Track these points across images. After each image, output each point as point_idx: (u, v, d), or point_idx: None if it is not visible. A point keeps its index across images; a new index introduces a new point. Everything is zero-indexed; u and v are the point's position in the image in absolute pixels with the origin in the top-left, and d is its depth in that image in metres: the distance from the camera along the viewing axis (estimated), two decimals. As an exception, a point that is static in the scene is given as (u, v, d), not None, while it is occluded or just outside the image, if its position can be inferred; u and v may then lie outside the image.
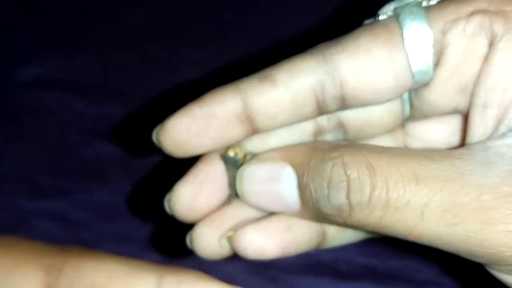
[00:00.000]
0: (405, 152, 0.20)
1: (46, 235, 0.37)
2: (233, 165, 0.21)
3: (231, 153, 0.21)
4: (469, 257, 0.19)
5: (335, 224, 0.21)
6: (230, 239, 0.21)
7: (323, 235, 0.22)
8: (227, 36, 0.43)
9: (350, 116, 0.22)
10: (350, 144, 0.21)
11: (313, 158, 0.20)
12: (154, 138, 0.21)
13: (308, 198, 0.20)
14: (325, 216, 0.20)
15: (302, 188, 0.20)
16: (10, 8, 0.45)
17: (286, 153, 0.21)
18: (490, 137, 0.20)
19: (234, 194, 0.22)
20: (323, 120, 0.22)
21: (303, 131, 0.22)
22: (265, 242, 0.21)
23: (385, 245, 0.36)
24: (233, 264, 0.35)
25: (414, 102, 0.22)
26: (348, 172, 0.19)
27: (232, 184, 0.21)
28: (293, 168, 0.20)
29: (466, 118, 0.21)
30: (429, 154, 0.20)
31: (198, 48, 0.42)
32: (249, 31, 0.43)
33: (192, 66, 0.41)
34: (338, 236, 0.23)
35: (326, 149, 0.20)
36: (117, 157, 0.39)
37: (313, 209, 0.20)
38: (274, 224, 0.21)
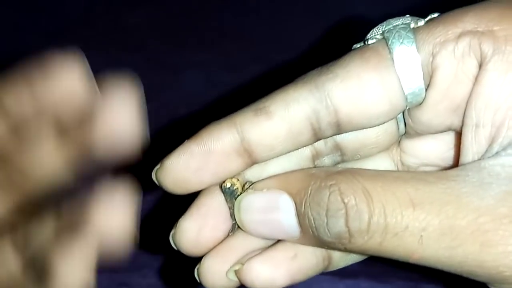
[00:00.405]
0: (400, 176, 0.20)
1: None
2: (231, 195, 0.21)
3: (228, 184, 0.21)
4: (470, 277, 0.19)
5: (336, 250, 0.21)
6: (237, 273, 0.21)
7: (329, 259, 0.22)
8: (227, 38, 0.43)
9: (346, 138, 0.22)
10: (345, 170, 0.21)
11: (310, 186, 0.20)
12: (153, 177, 0.21)
13: (308, 226, 0.20)
14: (325, 243, 0.20)
15: (301, 216, 0.20)
16: (12, 9, 0.46)
17: (282, 181, 0.21)
18: (483, 156, 0.20)
19: (236, 224, 0.22)
20: (320, 144, 0.23)
21: (301, 156, 0.22)
22: (272, 272, 0.21)
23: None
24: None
25: (407, 121, 0.22)
26: (346, 200, 0.19)
27: (233, 215, 0.21)
28: (290, 196, 0.20)
29: (460, 135, 0.21)
30: (424, 177, 0.19)
31: (198, 49, 0.43)
32: (249, 32, 0.43)
33: (193, 67, 0.42)
34: (343, 258, 0.23)
35: (323, 177, 0.20)
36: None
37: (313, 237, 0.20)
38: (280, 254, 0.21)
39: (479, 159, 0.20)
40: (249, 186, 0.21)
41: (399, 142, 0.24)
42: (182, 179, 0.21)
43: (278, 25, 0.43)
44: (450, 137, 0.23)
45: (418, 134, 0.22)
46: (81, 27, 0.45)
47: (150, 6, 0.45)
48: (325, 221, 0.19)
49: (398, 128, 0.22)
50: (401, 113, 0.22)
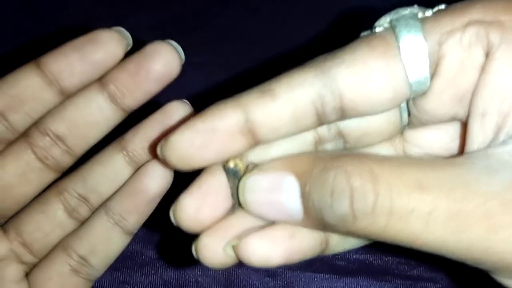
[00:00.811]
0: (408, 161, 0.20)
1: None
2: (234, 175, 0.21)
3: (231, 164, 0.21)
4: (475, 265, 0.19)
5: (338, 233, 0.21)
6: (235, 248, 0.21)
7: (326, 242, 0.22)
8: (228, 39, 0.43)
9: (350, 125, 0.22)
10: (352, 153, 0.21)
11: (315, 167, 0.20)
12: (158, 152, 0.21)
13: (311, 207, 0.20)
14: (328, 225, 0.20)
15: (304, 197, 0.20)
16: (13, 10, 0.46)
17: (288, 162, 0.21)
18: (490, 145, 0.20)
19: (237, 204, 0.22)
20: (323, 129, 0.23)
21: (304, 141, 0.22)
22: (269, 250, 0.21)
23: (381, 241, 0.36)
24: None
25: (412, 111, 0.22)
26: (351, 181, 0.19)
27: (234, 195, 0.22)
28: (296, 177, 0.20)
29: (465, 125, 0.21)
30: (432, 162, 0.19)
31: (199, 51, 0.43)
32: (249, 34, 0.43)
33: (193, 68, 0.42)
34: (341, 243, 0.23)
35: (328, 158, 0.20)
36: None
37: (316, 219, 0.20)
38: (278, 232, 0.21)
39: (486, 148, 0.20)
40: (252, 168, 0.21)
41: (402, 132, 0.23)
42: (186, 155, 0.21)
43: (278, 26, 0.43)
44: (454, 128, 0.23)
45: (422, 124, 0.22)
46: (82, 28, 0.45)
47: (151, 7, 0.45)
48: (329, 202, 0.19)
49: (402, 119, 0.22)
50: (405, 104, 0.22)
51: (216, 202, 0.22)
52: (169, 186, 0.27)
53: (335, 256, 0.36)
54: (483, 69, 0.20)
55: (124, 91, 0.26)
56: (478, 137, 0.20)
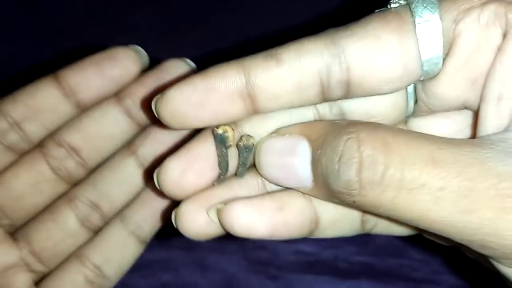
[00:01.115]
0: (424, 136, 0.19)
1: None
2: (221, 142, 0.21)
3: (220, 130, 0.20)
4: (481, 249, 0.19)
5: (346, 205, 0.20)
6: (219, 212, 0.20)
7: (316, 223, 0.21)
8: (227, 37, 0.43)
9: (353, 106, 0.22)
10: (369, 122, 0.20)
11: (329, 133, 0.19)
12: (153, 106, 0.21)
13: (320, 173, 0.19)
14: (335, 194, 0.19)
15: (315, 162, 0.19)
16: (12, 10, 0.46)
17: (305, 128, 0.20)
18: (506, 129, 0.19)
19: (223, 174, 0.21)
20: (325, 108, 0.22)
21: (303, 118, 0.22)
22: (254, 219, 0.20)
23: (384, 244, 0.36)
24: (234, 263, 0.36)
25: (420, 96, 0.21)
26: (362, 148, 0.18)
27: (221, 163, 0.21)
28: (309, 142, 0.20)
29: (475, 114, 0.21)
30: (449, 139, 0.19)
31: (198, 48, 0.43)
32: (249, 31, 0.43)
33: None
34: (331, 226, 0.22)
35: (344, 125, 0.19)
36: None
37: (323, 186, 0.19)
38: (266, 202, 0.21)
39: (503, 131, 0.19)
40: (246, 139, 0.21)
41: (406, 122, 0.23)
42: (180, 112, 0.20)
43: (278, 23, 0.43)
44: (462, 117, 0.22)
45: (429, 111, 0.22)
46: (81, 27, 0.45)
47: (150, 6, 0.45)
48: (337, 168, 0.18)
49: (407, 106, 0.22)
50: (413, 90, 0.21)
51: (202, 170, 0.21)
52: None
53: (337, 258, 0.36)
54: (499, 50, 0.19)
55: (140, 105, 0.27)
56: (492, 122, 0.19)
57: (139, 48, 0.28)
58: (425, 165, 0.18)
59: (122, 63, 0.27)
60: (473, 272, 0.35)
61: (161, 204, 0.27)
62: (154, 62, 0.44)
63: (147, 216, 0.28)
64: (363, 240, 0.36)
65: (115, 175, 0.28)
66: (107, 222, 0.28)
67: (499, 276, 0.20)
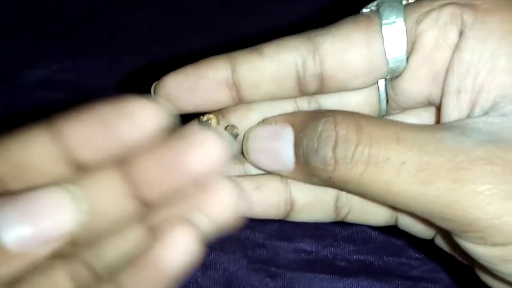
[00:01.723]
0: (392, 120, 0.21)
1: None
2: None
3: (204, 118, 0.23)
4: (441, 222, 0.20)
5: (322, 183, 0.22)
6: None
7: (292, 205, 0.23)
8: (228, 38, 0.43)
9: (329, 102, 0.24)
10: (345, 110, 0.23)
11: (310, 118, 0.22)
12: (152, 91, 0.23)
13: (301, 153, 0.21)
14: (313, 171, 0.21)
15: (297, 144, 0.22)
16: (15, 10, 0.46)
17: (289, 116, 0.23)
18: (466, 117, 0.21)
19: None
20: (303, 103, 0.24)
21: (284, 111, 0.24)
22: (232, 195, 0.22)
23: (382, 242, 0.36)
24: (234, 261, 0.36)
25: (389, 94, 0.23)
26: (337, 128, 0.20)
27: None
28: (293, 128, 0.22)
29: (439, 109, 0.22)
30: (413, 124, 0.21)
31: (199, 50, 0.43)
32: (249, 32, 0.43)
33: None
34: (305, 210, 0.24)
35: (324, 111, 0.22)
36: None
37: (304, 165, 0.21)
38: (244, 181, 0.23)
39: (462, 119, 0.21)
40: (232, 129, 0.23)
41: None
42: (173, 96, 0.23)
43: (278, 25, 0.43)
44: (428, 115, 0.24)
45: (400, 108, 0.24)
46: (81, 28, 0.45)
47: (151, 7, 0.45)
48: (316, 146, 0.21)
49: (380, 105, 0.24)
50: (384, 90, 0.23)
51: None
52: (193, 261, 0.21)
53: (336, 257, 0.36)
54: (457, 47, 0.21)
55: (148, 183, 0.20)
56: (454, 113, 0.21)
57: (160, 100, 0.23)
58: (389, 142, 0.20)
59: (135, 121, 0.19)
60: (471, 270, 0.35)
61: (163, 272, 0.21)
62: (154, 63, 0.44)
63: (143, 285, 0.21)
64: (362, 239, 0.36)
65: (119, 241, 0.22)
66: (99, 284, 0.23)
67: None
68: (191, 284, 0.36)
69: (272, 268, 0.36)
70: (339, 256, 0.36)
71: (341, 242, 0.36)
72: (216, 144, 0.18)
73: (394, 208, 0.23)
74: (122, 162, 0.20)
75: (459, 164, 0.19)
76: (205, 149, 0.18)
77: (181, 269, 0.21)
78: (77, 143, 0.20)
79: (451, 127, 0.21)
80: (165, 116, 0.19)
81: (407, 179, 0.20)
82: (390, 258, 0.36)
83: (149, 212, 0.20)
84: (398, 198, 0.20)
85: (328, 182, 0.21)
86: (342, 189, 0.22)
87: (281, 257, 0.36)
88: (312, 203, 0.24)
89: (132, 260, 0.21)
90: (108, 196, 0.20)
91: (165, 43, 0.44)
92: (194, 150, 0.18)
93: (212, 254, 0.36)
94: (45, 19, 0.45)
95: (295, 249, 0.36)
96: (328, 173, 0.21)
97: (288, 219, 0.24)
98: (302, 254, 0.36)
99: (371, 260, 0.36)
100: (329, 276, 0.35)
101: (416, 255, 0.36)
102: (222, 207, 0.19)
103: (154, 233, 0.20)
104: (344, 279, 0.35)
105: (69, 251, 0.22)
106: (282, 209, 0.23)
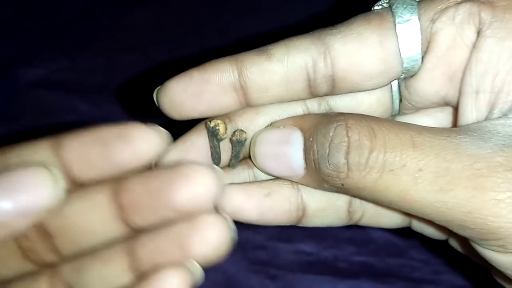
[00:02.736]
0: (405, 124, 0.20)
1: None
2: (213, 135, 0.22)
3: (212, 124, 0.22)
4: (459, 230, 0.19)
5: (334, 189, 0.21)
6: None
7: (303, 210, 0.23)
8: (227, 37, 0.43)
9: (340, 104, 0.23)
10: (356, 113, 0.22)
11: (320, 122, 0.21)
12: (154, 96, 0.22)
13: (311, 159, 0.20)
14: (325, 177, 0.20)
15: (307, 149, 0.21)
16: (13, 9, 0.46)
17: (298, 120, 0.22)
18: (484, 119, 0.20)
19: (216, 165, 0.22)
20: (313, 105, 0.23)
21: (293, 114, 0.23)
22: (243, 202, 0.21)
23: (384, 244, 0.36)
24: (234, 263, 0.36)
25: (403, 94, 0.22)
26: (350, 134, 0.19)
27: (213, 155, 0.22)
28: (302, 132, 0.21)
29: (455, 109, 0.22)
30: (428, 127, 0.20)
31: (199, 49, 0.43)
32: (249, 32, 0.43)
33: (193, 67, 0.42)
34: (318, 215, 0.23)
35: (334, 115, 0.21)
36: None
37: (314, 172, 0.20)
38: (255, 188, 0.22)
39: (481, 121, 0.20)
40: (239, 134, 0.22)
41: (393, 119, 0.24)
42: (178, 101, 0.22)
43: (279, 25, 0.43)
44: (444, 115, 0.23)
45: (413, 107, 0.23)
46: (81, 27, 0.45)
47: (150, 6, 0.45)
48: (327, 152, 0.20)
49: (393, 104, 0.23)
50: (397, 89, 0.23)
51: (196, 160, 0.22)
52: None
53: (337, 258, 0.36)
54: (474, 46, 0.20)
55: (137, 209, 0.21)
56: (472, 114, 0.21)
57: (159, 128, 0.21)
58: (405, 148, 0.19)
59: (133, 145, 0.20)
60: (474, 272, 0.35)
61: None
62: (154, 63, 0.44)
63: None
64: (363, 240, 0.36)
65: (103, 268, 0.22)
66: None
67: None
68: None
69: (273, 270, 0.35)
70: (340, 258, 0.36)
71: (342, 244, 0.36)
72: (208, 181, 0.18)
73: (408, 214, 0.23)
74: (114, 184, 0.20)
75: (479, 171, 0.18)
76: (196, 184, 0.18)
77: None
78: (75, 161, 0.20)
79: (469, 130, 0.20)
80: (163, 142, 0.20)
81: (424, 186, 0.19)
82: (392, 259, 0.36)
83: (135, 237, 0.20)
84: (415, 205, 0.19)
85: (340, 189, 0.20)
86: (354, 195, 0.22)
87: (282, 258, 0.36)
88: (325, 208, 0.23)
89: None
90: (96, 215, 0.21)
91: (164, 42, 0.44)
92: (184, 184, 0.18)
93: (212, 255, 0.36)
94: (43, 17, 0.45)
95: (296, 251, 0.36)
96: (341, 180, 0.20)
97: (300, 225, 0.23)
98: (303, 256, 0.36)
99: (373, 261, 0.36)
100: (329, 277, 0.35)
101: (418, 256, 0.36)
102: (208, 245, 0.18)
103: (142, 274, 0.20)
104: (345, 280, 0.35)
105: (53, 262, 0.22)
106: (293, 215, 0.23)
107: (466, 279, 0.35)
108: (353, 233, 0.36)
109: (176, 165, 0.18)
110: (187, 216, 0.19)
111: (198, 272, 0.20)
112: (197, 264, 0.19)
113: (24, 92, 0.42)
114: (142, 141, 0.20)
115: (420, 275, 0.35)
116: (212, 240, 0.18)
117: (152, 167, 0.20)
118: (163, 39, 0.44)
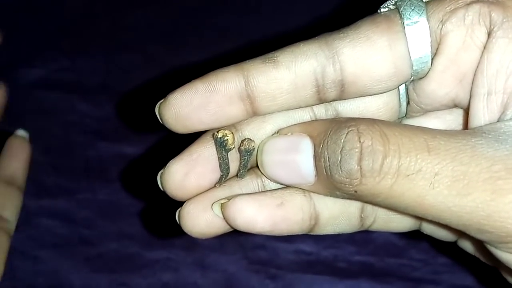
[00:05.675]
0: (418, 127, 0.20)
1: (50, 233, 0.37)
2: (221, 146, 0.21)
3: (219, 134, 0.21)
4: (477, 234, 0.19)
5: (347, 196, 0.21)
6: (222, 206, 0.21)
7: (316, 219, 0.22)
8: (227, 38, 0.43)
9: (347, 108, 0.23)
10: (367, 118, 0.21)
11: (330, 128, 0.20)
12: (156, 111, 0.21)
13: (322, 166, 0.20)
14: (337, 185, 0.20)
15: (317, 157, 0.20)
16: (13, 10, 0.46)
17: (306, 126, 0.21)
18: (497, 121, 0.20)
19: (224, 176, 0.22)
20: (320, 110, 0.23)
21: (300, 120, 0.23)
22: (256, 213, 0.21)
23: (383, 243, 0.36)
24: (234, 263, 0.36)
25: (412, 96, 0.22)
26: (362, 139, 0.19)
27: (221, 166, 0.22)
28: (311, 139, 0.21)
29: (466, 112, 0.21)
30: (442, 130, 0.20)
31: (198, 49, 0.43)
32: (249, 33, 0.43)
33: (192, 67, 0.42)
34: (331, 223, 0.23)
35: (343, 120, 0.20)
36: (120, 157, 0.40)
37: (326, 179, 0.20)
38: (267, 198, 0.21)
39: (495, 122, 0.20)
40: (248, 143, 0.22)
41: (400, 123, 0.23)
42: (183, 115, 0.21)
43: (278, 25, 0.43)
44: (453, 117, 0.23)
45: (421, 110, 0.22)
46: (81, 27, 0.45)
47: (149, 6, 0.45)
48: (339, 158, 0.19)
49: (400, 107, 0.23)
50: (405, 91, 0.22)
51: (204, 172, 0.22)
52: None
53: (337, 258, 0.36)
54: (485, 47, 0.20)
55: None
56: (484, 116, 0.20)
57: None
58: (420, 152, 0.19)
59: None
60: (475, 271, 0.35)
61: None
62: (154, 63, 0.44)
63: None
64: (363, 240, 0.36)
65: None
66: None
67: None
68: (190, 285, 0.36)
69: (272, 269, 0.35)
70: (340, 257, 0.36)
71: (341, 243, 0.36)
72: None
73: (421, 218, 0.22)
74: None
75: (497, 174, 0.18)
76: None
77: None
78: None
79: (483, 132, 0.19)
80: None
81: (441, 190, 0.18)
82: (391, 259, 0.36)
83: None
84: (432, 210, 0.19)
85: (353, 196, 0.20)
86: (368, 202, 0.21)
87: (281, 258, 0.36)
88: (338, 216, 0.22)
89: None
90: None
91: (164, 42, 0.44)
92: None
93: (212, 255, 0.36)
94: (43, 17, 0.45)
95: (295, 250, 0.36)
96: (354, 187, 0.19)
97: (312, 233, 0.23)
98: (302, 255, 0.36)
99: (372, 261, 0.36)
100: (329, 277, 0.35)
101: (418, 256, 0.36)
102: None
103: None
104: (345, 280, 0.35)
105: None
106: (306, 225, 0.22)
107: (467, 279, 0.35)
108: (353, 233, 0.36)
109: None
110: None
111: None
112: None
113: (24, 92, 0.42)
114: None
115: (420, 275, 0.35)
116: None
117: None
118: (163, 39, 0.44)
